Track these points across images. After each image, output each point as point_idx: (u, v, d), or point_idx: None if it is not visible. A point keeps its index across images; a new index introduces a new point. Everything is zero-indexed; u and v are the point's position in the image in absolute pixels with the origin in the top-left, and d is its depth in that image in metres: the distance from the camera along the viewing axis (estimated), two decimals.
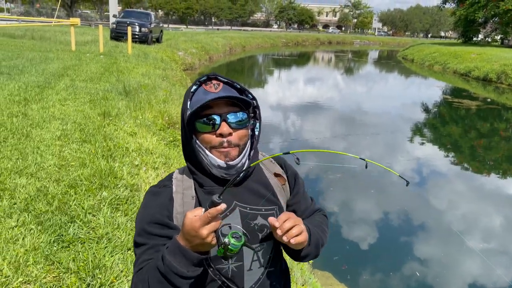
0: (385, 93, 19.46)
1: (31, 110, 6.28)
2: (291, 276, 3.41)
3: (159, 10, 73.37)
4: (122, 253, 2.96)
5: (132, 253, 2.84)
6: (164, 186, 1.26)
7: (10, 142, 4.84)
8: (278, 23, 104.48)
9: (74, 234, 3.10)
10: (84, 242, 3.02)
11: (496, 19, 39.22)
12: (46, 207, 3.43)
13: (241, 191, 1.24)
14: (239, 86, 1.23)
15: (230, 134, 1.17)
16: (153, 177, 4.51)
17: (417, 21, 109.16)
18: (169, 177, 1.29)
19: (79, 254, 2.87)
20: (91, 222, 3.32)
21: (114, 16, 24.10)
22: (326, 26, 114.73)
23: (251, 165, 1.15)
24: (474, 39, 44.17)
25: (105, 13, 59.15)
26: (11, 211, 3.31)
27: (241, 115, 1.19)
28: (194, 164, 1.23)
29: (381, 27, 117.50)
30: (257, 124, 1.29)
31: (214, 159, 1.18)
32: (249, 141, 1.26)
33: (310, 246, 1.21)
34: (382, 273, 4.37)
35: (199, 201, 1.11)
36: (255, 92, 16.75)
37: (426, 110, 15.11)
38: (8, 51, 13.08)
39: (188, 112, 1.17)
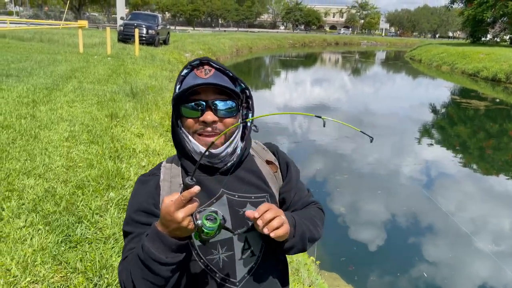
0: (393, 94, 19.37)
1: (40, 112, 6.33)
2: (298, 276, 3.41)
3: (166, 12, 73.71)
4: None
5: None
6: (153, 174, 1.24)
7: (18, 143, 4.88)
8: (285, 25, 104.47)
9: (81, 234, 3.12)
10: (91, 243, 3.04)
11: (505, 18, 38.89)
12: (54, 207, 3.46)
13: (232, 180, 1.20)
14: (231, 74, 1.19)
15: (214, 122, 1.13)
16: None
17: (425, 22, 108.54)
18: (158, 166, 1.27)
19: (86, 254, 2.88)
20: (98, 222, 3.33)
21: (122, 18, 24.26)
22: (333, 27, 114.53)
23: (234, 126, 1.14)
24: (483, 39, 43.78)
25: (113, 16, 59.53)
26: (20, 211, 3.33)
27: (230, 103, 1.15)
28: (182, 151, 1.20)
29: (388, 28, 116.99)
30: (250, 114, 1.25)
31: (196, 145, 1.15)
32: (239, 132, 1.22)
33: (295, 238, 1.16)
34: (389, 274, 4.34)
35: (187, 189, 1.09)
36: (262, 93, 16.78)
37: (434, 110, 15.01)
38: (17, 53, 13.21)
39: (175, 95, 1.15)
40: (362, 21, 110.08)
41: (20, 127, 5.46)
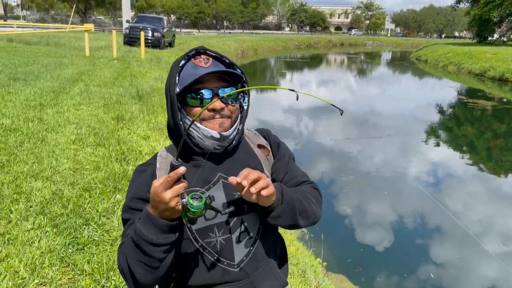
0: (399, 95, 19.29)
1: (47, 115, 6.37)
2: (304, 278, 3.40)
3: (172, 15, 74.01)
4: None
5: None
6: (149, 164, 1.27)
7: (26, 146, 4.92)
8: (290, 26, 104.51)
9: (88, 236, 3.14)
10: (99, 245, 3.05)
11: (511, 18, 38.60)
12: (61, 210, 3.48)
13: (227, 163, 1.22)
14: (228, 61, 1.22)
15: (222, 109, 1.16)
16: None
17: (431, 22, 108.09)
18: (155, 156, 1.29)
19: (93, 256, 2.89)
20: (105, 224, 3.35)
21: (127, 21, 24.38)
22: (338, 28, 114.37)
23: (227, 94, 1.15)
24: (489, 38, 43.48)
25: (119, 19, 59.87)
26: (27, 214, 3.36)
27: (231, 90, 1.19)
28: (178, 140, 1.18)
29: (394, 28, 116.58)
30: (246, 99, 1.28)
31: (207, 130, 1.16)
32: (239, 115, 1.25)
33: (283, 205, 1.14)
34: (396, 275, 4.31)
35: (183, 175, 1.09)
36: (268, 94, 16.79)
37: (441, 111, 14.93)
38: (24, 57, 13.32)
39: (178, 88, 1.16)
40: (368, 21, 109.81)
41: (27, 130, 5.50)
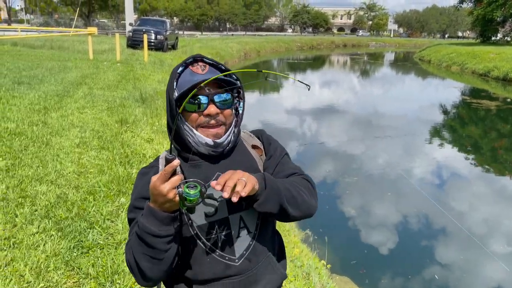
0: (403, 95, 19.26)
1: (51, 119, 6.40)
2: (309, 280, 3.40)
3: (174, 18, 74.17)
4: None
5: None
6: (152, 166, 1.33)
7: (30, 150, 4.94)
8: (292, 27, 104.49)
9: (93, 240, 3.15)
10: (103, 248, 3.06)
11: None
12: (66, 213, 3.49)
13: (225, 163, 1.27)
14: (223, 68, 1.27)
15: (217, 114, 1.22)
16: None
17: (434, 22, 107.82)
18: (157, 158, 1.36)
19: (98, 260, 2.90)
20: (110, 228, 3.36)
21: (130, 24, 24.47)
22: (341, 29, 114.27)
23: (220, 75, 1.19)
24: (493, 38, 43.30)
25: (122, 22, 60.03)
26: (32, 217, 3.38)
27: (226, 96, 1.24)
28: (179, 143, 1.27)
29: (396, 29, 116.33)
30: (241, 103, 1.34)
31: (202, 137, 1.23)
32: (234, 119, 1.30)
33: (267, 190, 1.16)
34: (401, 277, 4.30)
35: (184, 176, 1.12)
36: (271, 96, 16.79)
37: (445, 111, 14.88)
38: (28, 61, 13.39)
39: (176, 93, 1.22)
40: (370, 22, 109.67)
41: (32, 134, 5.53)
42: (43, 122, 6.16)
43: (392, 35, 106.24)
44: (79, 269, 2.80)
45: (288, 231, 4.53)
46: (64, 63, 13.38)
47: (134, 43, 20.27)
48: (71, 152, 5.01)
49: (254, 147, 1.39)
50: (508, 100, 16.83)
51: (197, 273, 1.28)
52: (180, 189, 1.04)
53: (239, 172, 1.10)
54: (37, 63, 12.89)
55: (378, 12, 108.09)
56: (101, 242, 3.14)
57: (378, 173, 7.51)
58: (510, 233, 5.36)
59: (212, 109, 1.21)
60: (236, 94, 1.32)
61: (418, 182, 7.08)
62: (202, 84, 1.15)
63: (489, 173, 8.04)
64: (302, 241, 4.56)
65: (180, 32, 44.99)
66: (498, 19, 38.81)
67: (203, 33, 65.18)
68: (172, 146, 1.08)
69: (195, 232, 1.25)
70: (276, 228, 1.47)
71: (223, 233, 1.26)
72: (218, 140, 1.23)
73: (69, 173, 4.38)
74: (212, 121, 1.22)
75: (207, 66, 1.25)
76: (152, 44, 19.71)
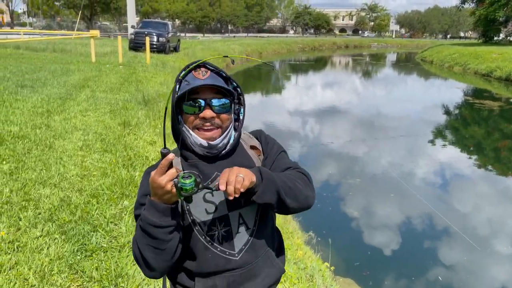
0: (405, 96, 19.22)
1: (54, 122, 6.42)
2: (312, 282, 3.39)
3: (176, 20, 74.30)
4: None
5: None
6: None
7: (34, 153, 4.95)
8: (294, 29, 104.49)
9: (96, 243, 3.15)
10: (107, 251, 3.07)
11: None
12: (70, 216, 3.50)
13: (224, 163, 1.33)
14: (225, 75, 1.34)
15: (212, 117, 1.29)
16: None
17: (436, 22, 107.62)
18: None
19: (102, 263, 2.91)
20: (113, 231, 3.36)
21: (133, 27, 24.48)
22: (342, 30, 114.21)
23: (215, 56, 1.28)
24: (495, 38, 43.21)
25: (124, 24, 60.25)
26: (36, 221, 3.38)
27: (224, 101, 1.31)
28: (182, 144, 1.35)
29: (398, 30, 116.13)
30: (242, 109, 1.41)
31: (197, 139, 1.31)
32: (232, 124, 1.37)
33: (263, 182, 1.23)
34: (404, 279, 4.29)
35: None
36: (273, 97, 16.81)
37: (447, 112, 14.85)
38: (31, 64, 13.44)
39: (176, 95, 1.29)
40: (372, 23, 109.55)
41: (35, 137, 5.54)
42: (46, 125, 6.17)
43: (394, 36, 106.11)
44: (82, 272, 2.81)
45: (292, 233, 4.53)
46: (67, 66, 13.43)
47: (136, 45, 20.31)
48: (74, 155, 5.02)
49: (252, 147, 1.45)
50: (511, 100, 16.78)
51: (199, 266, 1.35)
52: (175, 180, 1.12)
53: (235, 168, 1.16)
54: (40, 66, 12.93)
55: (379, 13, 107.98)
56: (105, 245, 3.14)
57: (381, 174, 7.49)
58: None
59: (207, 112, 1.28)
60: (237, 101, 1.39)
61: (420, 183, 7.06)
62: (193, 88, 1.23)
63: (493, 173, 8.01)
64: (305, 243, 4.55)
65: (182, 34, 45.05)
66: (500, 19, 38.74)
67: (205, 35, 65.25)
68: (164, 141, 1.15)
69: (196, 228, 1.33)
70: (278, 228, 1.52)
71: (223, 230, 1.34)
72: (212, 142, 1.30)
73: (73, 176, 4.39)
74: (207, 124, 1.29)
75: (209, 72, 1.31)
76: (154, 46, 19.74)
